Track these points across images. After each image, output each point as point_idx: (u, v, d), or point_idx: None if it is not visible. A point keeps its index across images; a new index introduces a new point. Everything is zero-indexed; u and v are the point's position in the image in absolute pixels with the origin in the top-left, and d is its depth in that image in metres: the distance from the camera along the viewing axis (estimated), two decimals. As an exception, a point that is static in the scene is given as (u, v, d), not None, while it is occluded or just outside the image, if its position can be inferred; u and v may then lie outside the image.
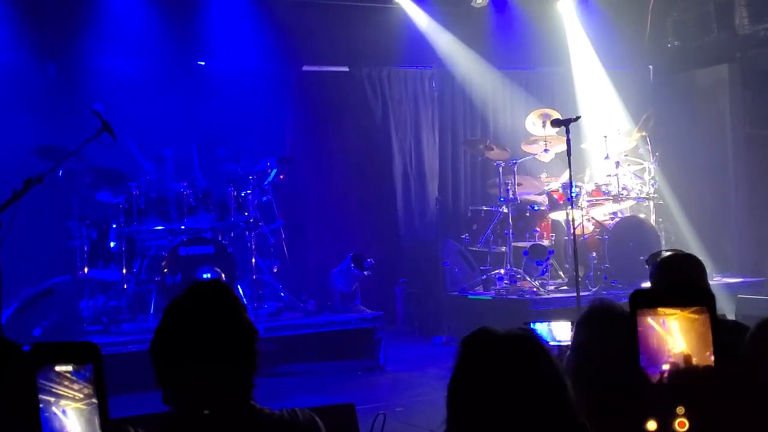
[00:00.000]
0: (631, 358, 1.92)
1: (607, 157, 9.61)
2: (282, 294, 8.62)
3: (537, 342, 1.98)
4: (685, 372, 1.91)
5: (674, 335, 1.92)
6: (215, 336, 2.22)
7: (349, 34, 10.28)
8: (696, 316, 1.93)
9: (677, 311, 1.93)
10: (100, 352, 1.85)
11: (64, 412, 1.79)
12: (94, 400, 1.81)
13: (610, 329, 2.72)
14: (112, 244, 8.17)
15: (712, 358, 1.92)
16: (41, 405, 1.76)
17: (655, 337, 1.93)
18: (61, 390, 1.80)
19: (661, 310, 1.93)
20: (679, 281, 3.45)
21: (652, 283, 3.58)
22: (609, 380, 2.38)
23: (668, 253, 3.68)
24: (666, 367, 1.91)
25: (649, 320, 1.93)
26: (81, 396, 1.81)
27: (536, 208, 9.76)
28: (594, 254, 9.21)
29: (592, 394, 2.45)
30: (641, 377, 1.91)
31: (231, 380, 2.22)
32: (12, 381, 1.81)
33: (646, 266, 3.83)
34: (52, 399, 1.79)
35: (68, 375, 1.80)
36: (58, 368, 1.80)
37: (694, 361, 1.92)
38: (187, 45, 9.60)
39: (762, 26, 10.27)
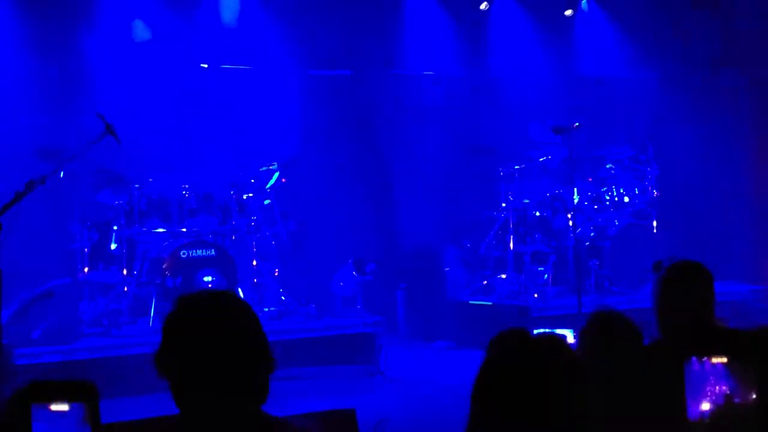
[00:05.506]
0: (675, 397, 1.89)
1: (609, 162, 9.60)
2: (283, 298, 8.59)
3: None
4: (726, 411, 1.89)
5: (717, 375, 1.90)
6: (223, 352, 2.17)
7: (354, 38, 10.26)
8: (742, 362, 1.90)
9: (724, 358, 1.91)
10: (96, 391, 1.86)
11: None
12: None
13: (613, 339, 2.72)
14: (112, 246, 8.16)
15: (755, 396, 1.89)
16: None
17: (696, 374, 1.90)
18: (55, 427, 1.82)
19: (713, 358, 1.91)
20: (684, 292, 3.45)
21: (655, 292, 3.57)
22: (610, 391, 2.37)
23: (674, 263, 3.67)
24: (706, 406, 1.88)
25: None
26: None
27: (538, 213, 9.74)
28: (596, 260, 9.22)
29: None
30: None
31: (239, 389, 2.19)
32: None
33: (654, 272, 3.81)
34: None
35: (63, 412, 1.83)
36: (53, 407, 1.82)
37: (736, 400, 1.89)
38: (190, 47, 9.58)
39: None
